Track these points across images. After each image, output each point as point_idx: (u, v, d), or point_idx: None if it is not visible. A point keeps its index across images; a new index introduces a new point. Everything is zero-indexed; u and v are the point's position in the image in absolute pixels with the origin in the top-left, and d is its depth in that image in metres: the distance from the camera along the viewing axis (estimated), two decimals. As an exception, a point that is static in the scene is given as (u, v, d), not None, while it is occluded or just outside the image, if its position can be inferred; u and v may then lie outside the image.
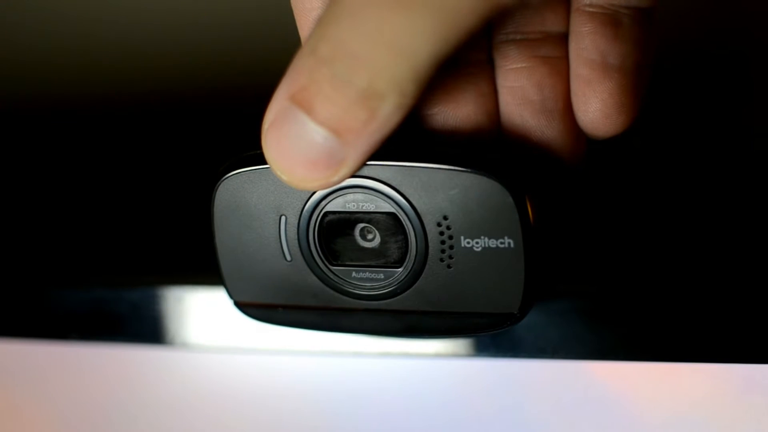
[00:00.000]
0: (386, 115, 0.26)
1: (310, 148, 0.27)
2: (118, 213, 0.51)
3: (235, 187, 0.31)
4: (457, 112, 0.30)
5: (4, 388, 0.41)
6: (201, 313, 0.38)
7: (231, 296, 0.32)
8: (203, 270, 0.40)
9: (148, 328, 0.38)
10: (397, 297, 0.30)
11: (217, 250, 0.32)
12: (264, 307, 0.33)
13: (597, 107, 0.29)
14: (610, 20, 0.29)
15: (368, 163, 0.28)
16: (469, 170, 0.28)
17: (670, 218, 0.41)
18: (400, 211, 0.29)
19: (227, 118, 0.54)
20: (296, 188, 0.28)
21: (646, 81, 0.30)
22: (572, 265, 0.35)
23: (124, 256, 0.44)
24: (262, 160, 0.30)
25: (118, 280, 0.40)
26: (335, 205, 0.30)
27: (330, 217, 0.30)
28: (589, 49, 0.29)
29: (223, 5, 0.56)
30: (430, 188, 0.28)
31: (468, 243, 0.29)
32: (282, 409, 0.38)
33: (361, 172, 0.29)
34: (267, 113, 0.27)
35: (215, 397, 0.39)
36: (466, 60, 0.30)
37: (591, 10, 0.29)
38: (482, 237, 0.28)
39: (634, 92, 0.29)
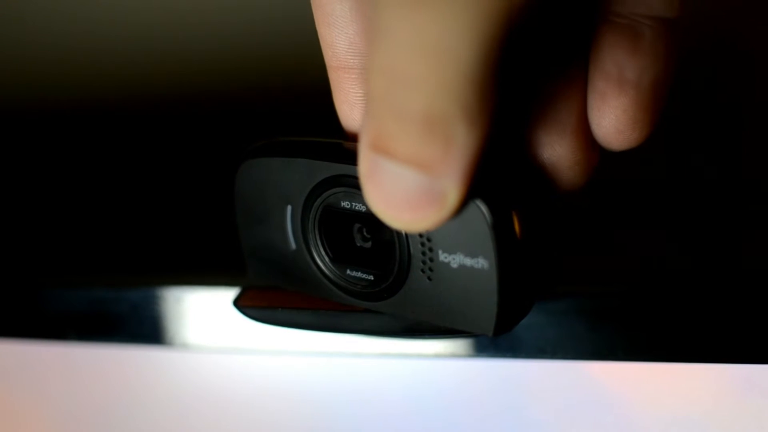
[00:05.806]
0: (462, 137, 0.24)
1: (407, 192, 0.25)
2: (118, 213, 0.51)
3: (254, 172, 0.31)
4: None
5: (4, 388, 0.41)
6: (201, 313, 0.38)
7: (249, 275, 0.33)
8: (203, 270, 0.40)
9: (148, 328, 0.38)
10: (385, 301, 0.30)
11: (239, 229, 0.33)
12: (262, 306, 0.33)
13: (611, 122, 0.28)
14: (631, 32, 0.27)
15: None
16: None
17: (670, 218, 0.41)
18: None
19: (228, 117, 0.54)
20: (412, 231, 0.28)
21: (663, 96, 0.28)
22: (570, 267, 0.35)
23: (124, 256, 0.44)
24: (279, 149, 0.31)
25: (118, 280, 0.40)
26: (332, 201, 0.30)
27: (328, 212, 0.30)
28: (606, 61, 0.27)
29: (233, 4, 0.56)
30: None
31: (446, 258, 0.28)
32: (282, 410, 0.38)
33: (353, 172, 0.28)
34: (359, 166, 0.25)
35: (215, 398, 0.39)
36: None
37: (613, 19, 0.28)
38: (458, 254, 0.28)
39: (651, 108, 0.28)
